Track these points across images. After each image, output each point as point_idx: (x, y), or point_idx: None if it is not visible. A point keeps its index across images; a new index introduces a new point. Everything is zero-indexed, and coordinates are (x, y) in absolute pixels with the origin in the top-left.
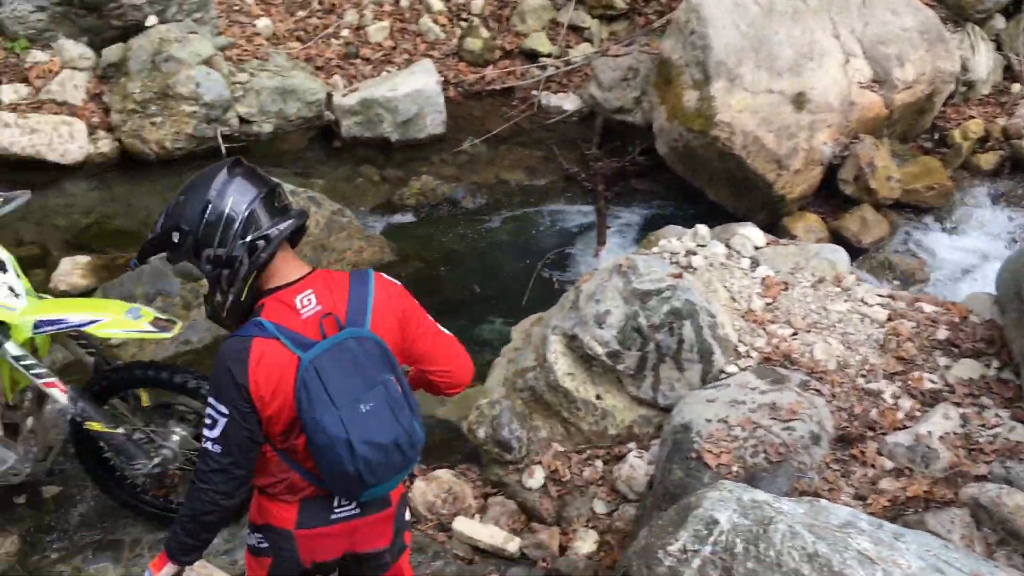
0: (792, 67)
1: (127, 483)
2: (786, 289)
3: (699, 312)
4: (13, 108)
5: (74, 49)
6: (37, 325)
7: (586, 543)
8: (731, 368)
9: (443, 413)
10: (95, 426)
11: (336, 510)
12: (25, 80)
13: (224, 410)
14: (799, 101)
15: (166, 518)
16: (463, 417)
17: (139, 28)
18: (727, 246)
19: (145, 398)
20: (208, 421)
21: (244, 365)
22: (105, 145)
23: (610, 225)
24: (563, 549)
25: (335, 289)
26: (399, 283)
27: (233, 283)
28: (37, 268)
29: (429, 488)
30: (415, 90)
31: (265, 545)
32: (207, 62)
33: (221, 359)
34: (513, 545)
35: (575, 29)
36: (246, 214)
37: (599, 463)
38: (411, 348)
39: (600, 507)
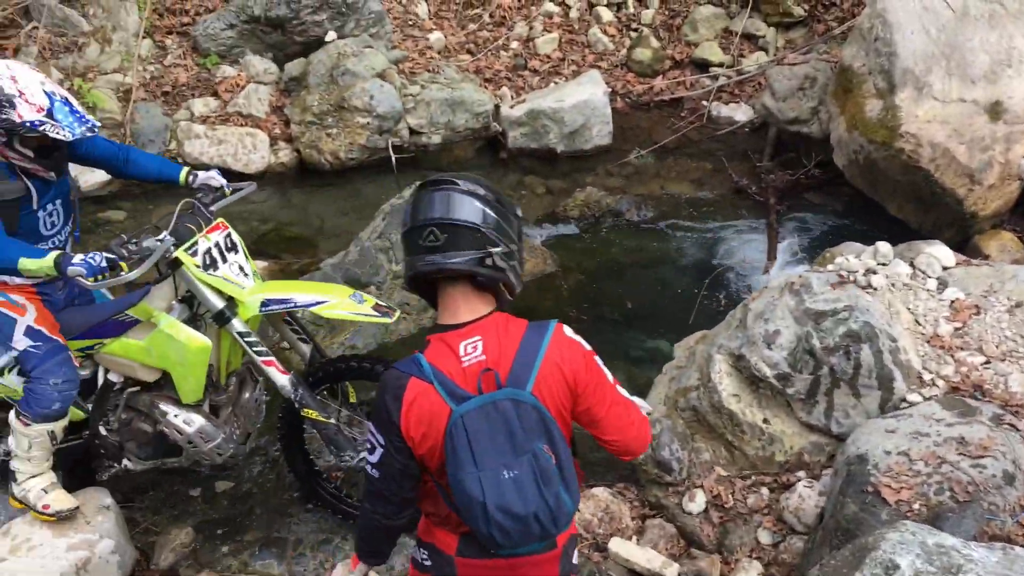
0: (987, 75)
1: (322, 478)
2: (978, 313)
3: (879, 335)
4: (203, 120)
5: (259, 64)
6: (265, 303)
7: (749, 574)
8: (913, 397)
9: None
10: (311, 414)
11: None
12: (215, 94)
13: (381, 440)
14: (995, 111)
15: (353, 515)
16: None
17: (319, 43)
18: (911, 265)
19: (352, 393)
20: (369, 446)
21: (399, 404)
22: (285, 155)
23: (781, 240)
24: None
25: (505, 340)
26: (582, 343)
27: (518, 269)
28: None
29: (586, 506)
30: (582, 101)
31: (429, 563)
32: (381, 75)
33: (381, 390)
34: (671, 571)
35: (749, 38)
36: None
37: (765, 491)
38: (584, 413)
39: (765, 537)
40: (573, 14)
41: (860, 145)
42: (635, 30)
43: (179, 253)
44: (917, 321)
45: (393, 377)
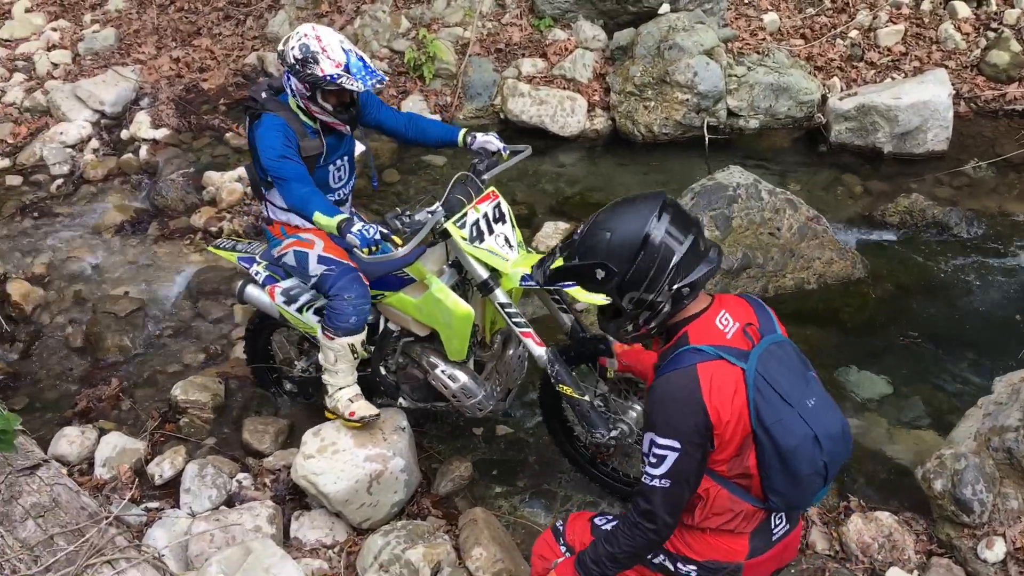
0: None
1: (580, 444)
2: None
3: None
4: (529, 80)
5: (590, 30)
6: (524, 278)
7: None
8: None
9: (893, 452)
10: (566, 390)
11: (774, 531)
12: (543, 55)
13: (675, 444)
14: None
15: (607, 483)
16: (918, 461)
17: (651, 15)
18: None
19: (611, 370)
20: (653, 460)
21: (698, 394)
22: (600, 123)
23: None
24: None
25: (739, 308)
26: None
27: (651, 322)
28: (523, 227)
29: (867, 528)
30: (921, 101)
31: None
32: (708, 53)
33: (668, 395)
34: None
35: None
36: (678, 261)
37: None
38: None
39: None
40: (925, 6)
41: None
42: (994, 30)
43: (448, 225)
44: None
45: (677, 376)
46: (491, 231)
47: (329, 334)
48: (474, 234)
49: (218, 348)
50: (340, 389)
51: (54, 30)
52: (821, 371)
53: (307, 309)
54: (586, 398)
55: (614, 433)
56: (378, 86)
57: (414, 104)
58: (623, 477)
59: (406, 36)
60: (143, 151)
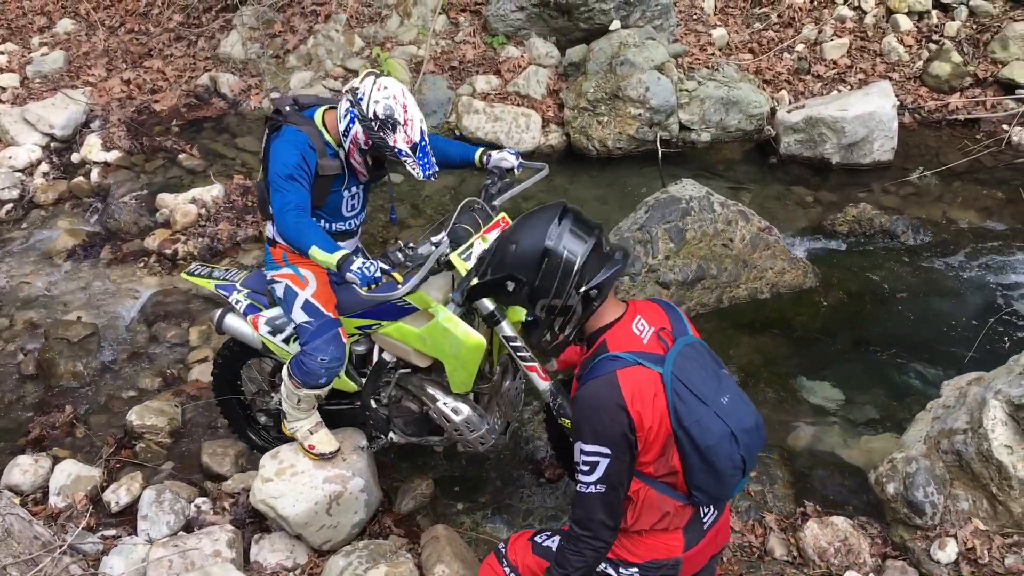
0: None
1: None
2: None
3: None
4: (483, 97)
5: (542, 47)
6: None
7: None
8: None
9: (847, 457)
10: (567, 423)
11: (704, 520)
12: (497, 72)
13: (604, 450)
14: None
15: None
16: (871, 466)
17: (602, 31)
18: None
19: None
20: (585, 467)
21: (621, 400)
22: (555, 138)
23: None
24: None
25: (654, 312)
26: None
27: (565, 328)
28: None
29: (823, 533)
30: (867, 112)
31: None
32: (659, 68)
33: (592, 403)
34: None
35: None
36: (581, 264)
37: None
38: None
39: None
40: (868, 20)
41: None
42: (936, 42)
43: (453, 258)
44: None
45: (598, 384)
46: None
47: (295, 382)
48: (480, 267)
49: (174, 372)
50: (299, 420)
51: (1, 53)
52: (775, 379)
53: (294, 340)
54: None
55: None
56: (431, 179)
57: None
58: None
59: (360, 55)
60: (94, 174)
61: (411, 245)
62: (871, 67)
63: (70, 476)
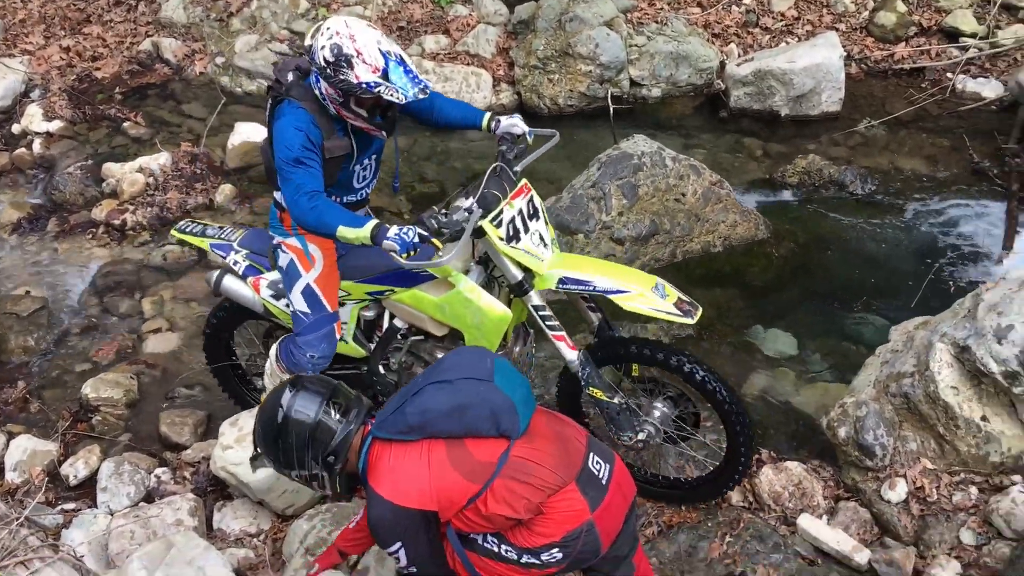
0: None
1: None
2: None
3: None
4: (433, 57)
5: (491, 5)
6: (562, 281)
7: (945, 572)
8: None
9: (800, 404)
10: (596, 392)
11: (600, 475)
12: (446, 31)
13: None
14: None
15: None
16: (823, 411)
17: None
18: None
19: (636, 367)
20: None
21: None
22: (506, 97)
23: (1021, 231)
24: (917, 573)
25: None
26: None
27: (325, 487)
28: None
29: (778, 478)
30: (814, 64)
31: (560, 556)
32: (608, 23)
33: (387, 525)
34: (862, 556)
35: (1008, 8)
36: (310, 437)
37: (973, 490)
38: None
39: (967, 537)
40: None
41: None
42: None
43: (485, 224)
44: None
45: (384, 507)
46: (526, 229)
47: (281, 366)
48: (510, 232)
49: (129, 343)
50: None
51: None
52: (729, 331)
53: None
54: (615, 401)
55: (641, 436)
56: (421, 95)
57: None
58: (651, 477)
59: (305, 16)
60: (37, 145)
61: (444, 212)
62: (818, 18)
63: (26, 451)
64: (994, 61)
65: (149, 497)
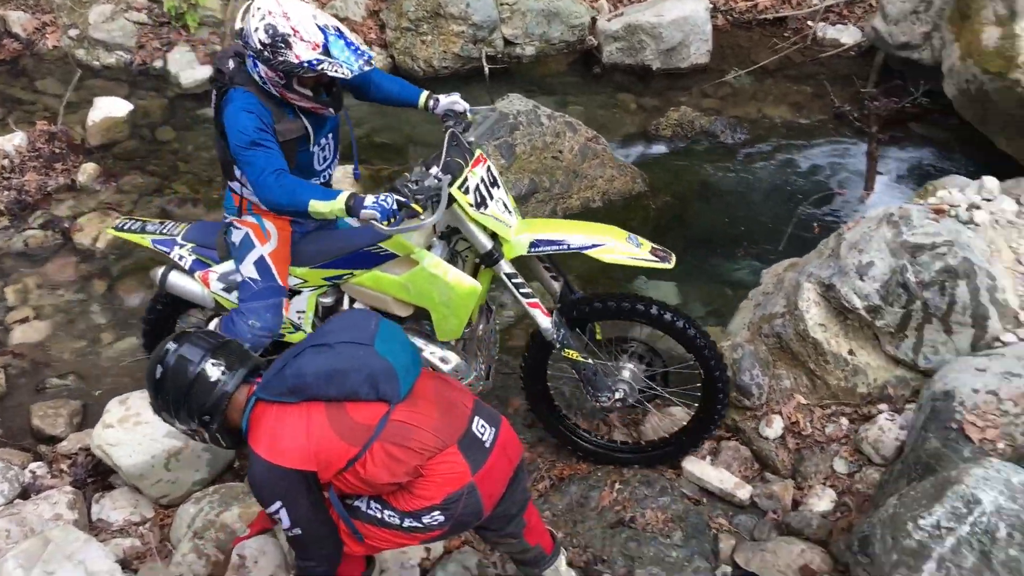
0: None
1: (563, 416)
2: None
3: (977, 272)
4: None
5: None
6: (534, 244)
7: (822, 501)
8: (1008, 337)
9: (681, 351)
10: (572, 354)
11: (484, 439)
12: None
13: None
14: None
15: (594, 453)
16: None
17: None
18: (1018, 203)
19: (599, 332)
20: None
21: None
22: (379, 61)
23: (881, 171)
24: (796, 504)
25: None
26: None
27: (207, 441)
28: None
29: (662, 424)
30: (682, 17)
31: (442, 519)
32: None
33: (266, 484)
34: (744, 492)
35: None
36: (187, 391)
37: (844, 421)
38: None
39: (840, 466)
40: None
41: (973, 75)
42: None
43: (454, 191)
44: (1019, 260)
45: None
46: (491, 196)
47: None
48: (478, 199)
49: None
50: None
51: None
52: (612, 283)
53: None
54: (591, 361)
55: (618, 395)
56: (366, 67)
57: (181, 56)
58: (621, 445)
59: None
60: None
61: (415, 179)
62: None
63: None
64: (851, 8)
65: (25, 493)
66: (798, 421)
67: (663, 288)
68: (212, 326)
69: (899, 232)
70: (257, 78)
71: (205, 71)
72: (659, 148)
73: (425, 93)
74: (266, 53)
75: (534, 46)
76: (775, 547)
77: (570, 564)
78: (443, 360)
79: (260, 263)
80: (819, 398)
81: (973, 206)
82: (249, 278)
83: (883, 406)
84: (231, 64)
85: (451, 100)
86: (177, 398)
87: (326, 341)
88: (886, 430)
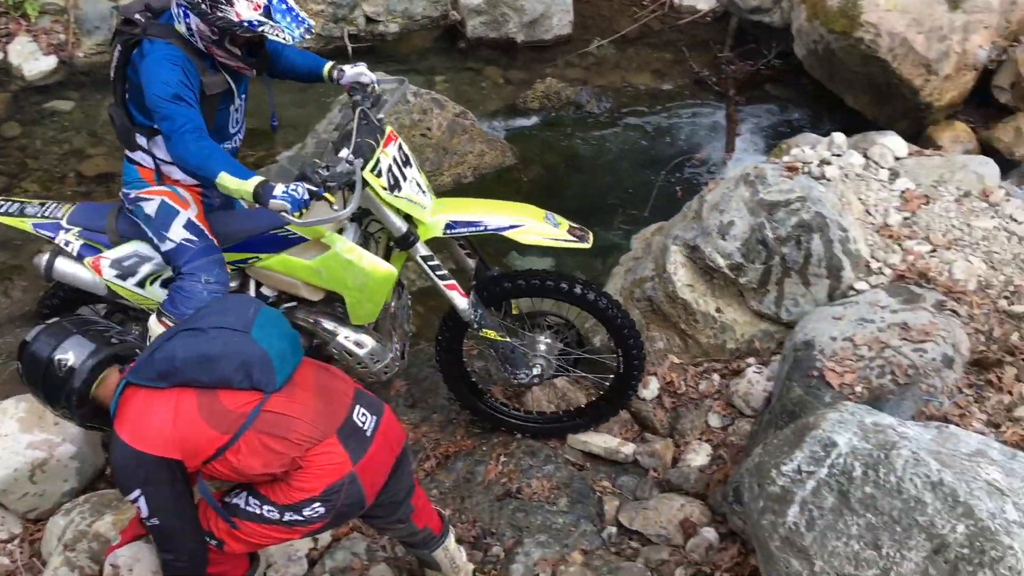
0: None
1: (482, 392)
2: (927, 203)
3: (830, 225)
4: None
5: None
6: (450, 226)
7: (699, 456)
8: (861, 285)
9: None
10: (490, 333)
11: (365, 428)
12: None
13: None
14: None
15: (519, 427)
16: (580, 325)
17: None
18: (865, 156)
19: (515, 306)
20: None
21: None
22: None
23: (740, 132)
24: (675, 461)
25: None
26: None
27: (81, 427)
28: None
29: (544, 394)
30: None
31: (323, 510)
32: None
33: (126, 470)
34: (627, 449)
35: None
36: (44, 374)
37: (716, 377)
38: None
39: (715, 421)
40: None
41: (820, 35)
42: None
43: (366, 174)
44: (868, 211)
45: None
46: (404, 177)
47: (167, 320)
48: (391, 181)
49: None
50: None
51: None
52: (488, 258)
53: (151, 282)
54: (509, 340)
55: (536, 371)
56: (307, 36)
57: (23, 47)
58: (537, 416)
59: None
60: None
61: (326, 164)
62: None
63: None
64: None
65: None
66: (673, 381)
67: (536, 263)
68: (152, 321)
69: (756, 191)
70: (184, 30)
71: (50, 61)
72: (527, 121)
73: (329, 63)
74: (203, 6)
75: (397, 23)
76: (656, 504)
77: (459, 540)
78: (358, 344)
79: (190, 225)
80: (691, 357)
81: (824, 162)
82: (184, 240)
83: (751, 360)
84: (139, 17)
85: (357, 71)
86: (36, 379)
87: (199, 326)
88: (754, 383)
